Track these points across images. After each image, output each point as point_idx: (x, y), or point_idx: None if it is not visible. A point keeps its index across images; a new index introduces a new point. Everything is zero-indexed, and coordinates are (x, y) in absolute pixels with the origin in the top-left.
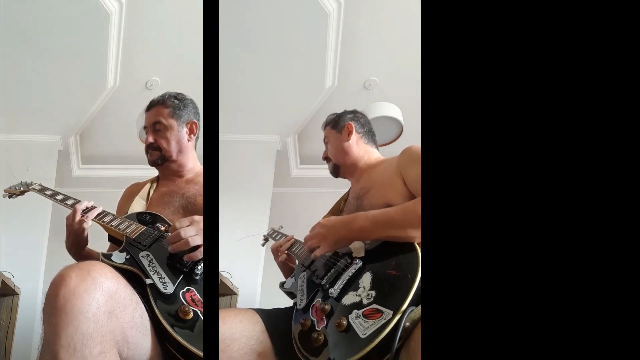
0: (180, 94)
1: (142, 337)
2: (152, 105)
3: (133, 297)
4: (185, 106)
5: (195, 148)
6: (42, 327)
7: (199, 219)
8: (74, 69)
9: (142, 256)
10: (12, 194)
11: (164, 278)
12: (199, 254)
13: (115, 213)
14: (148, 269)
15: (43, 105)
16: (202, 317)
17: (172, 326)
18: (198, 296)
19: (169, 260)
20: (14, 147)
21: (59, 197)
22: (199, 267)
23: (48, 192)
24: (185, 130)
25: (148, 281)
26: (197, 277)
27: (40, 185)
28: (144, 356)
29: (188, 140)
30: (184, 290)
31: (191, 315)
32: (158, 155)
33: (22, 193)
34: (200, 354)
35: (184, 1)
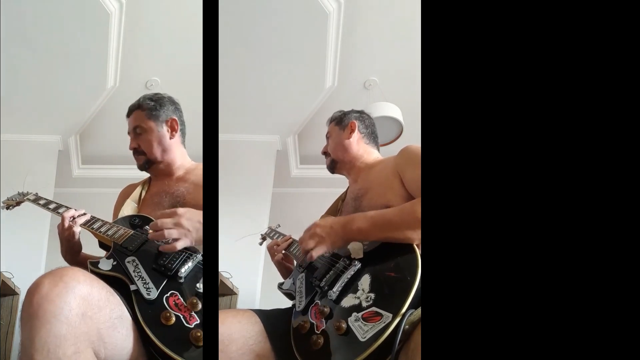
0: (156, 94)
1: (121, 337)
2: (131, 111)
3: (110, 298)
4: (162, 105)
5: (185, 144)
6: (20, 334)
7: (182, 211)
8: (74, 69)
9: (128, 262)
10: (9, 205)
11: (148, 284)
12: (177, 245)
13: (112, 215)
14: (133, 274)
15: (43, 105)
16: (184, 322)
17: (154, 332)
18: (182, 300)
19: (154, 264)
20: (14, 147)
21: (52, 206)
22: (183, 270)
23: (41, 202)
24: (165, 128)
25: (132, 287)
26: (182, 280)
27: (34, 195)
28: (125, 356)
29: (170, 138)
30: (168, 295)
31: (173, 320)
32: (144, 160)
33: (18, 204)
34: (180, 359)
35: (184, 1)
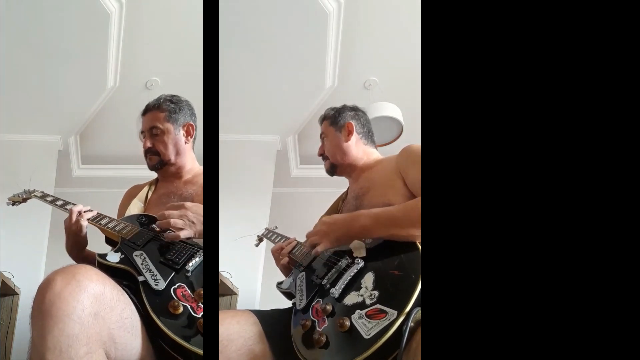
0: (175, 96)
1: (131, 337)
2: (148, 110)
3: (121, 298)
4: (181, 109)
5: (194, 149)
6: (31, 331)
7: (190, 205)
8: (74, 69)
9: (136, 255)
10: (15, 201)
11: (155, 275)
12: (181, 234)
13: (116, 215)
14: (141, 267)
15: (43, 105)
16: (192, 312)
17: (162, 322)
18: (189, 292)
19: (162, 259)
20: (14, 147)
21: (59, 203)
22: (191, 264)
23: (49, 199)
24: (182, 133)
25: (140, 279)
26: (189, 274)
27: (41, 192)
28: (133, 356)
29: (185, 143)
30: (175, 286)
31: (181, 309)
32: (157, 160)
33: (24, 200)
34: (189, 345)
35: (184, 1)
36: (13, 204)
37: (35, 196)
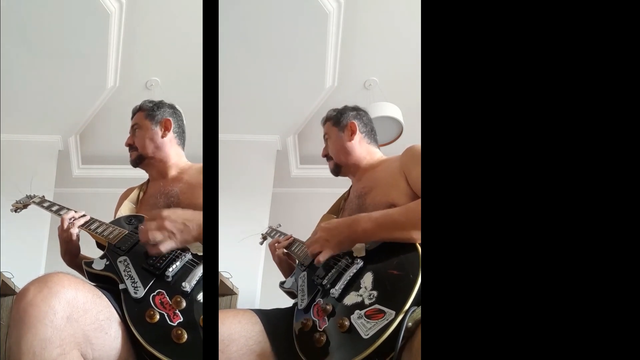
0: (160, 101)
1: (109, 338)
2: (134, 113)
3: (97, 301)
4: (159, 107)
5: (183, 147)
6: (7, 339)
7: (166, 214)
8: (74, 69)
9: (120, 261)
10: (17, 208)
11: (136, 282)
12: (162, 248)
13: (113, 216)
14: (123, 274)
15: (43, 105)
16: (167, 320)
17: (138, 330)
18: (167, 299)
19: (144, 264)
20: (14, 147)
21: (55, 208)
22: (170, 269)
23: (45, 204)
24: (159, 127)
25: (121, 286)
26: (169, 279)
27: (40, 197)
28: (113, 357)
29: (162, 137)
30: (155, 293)
31: (157, 318)
32: (136, 155)
33: (25, 206)
34: (161, 355)
35: (184, 1)
36: (16, 211)
37: (34, 202)
